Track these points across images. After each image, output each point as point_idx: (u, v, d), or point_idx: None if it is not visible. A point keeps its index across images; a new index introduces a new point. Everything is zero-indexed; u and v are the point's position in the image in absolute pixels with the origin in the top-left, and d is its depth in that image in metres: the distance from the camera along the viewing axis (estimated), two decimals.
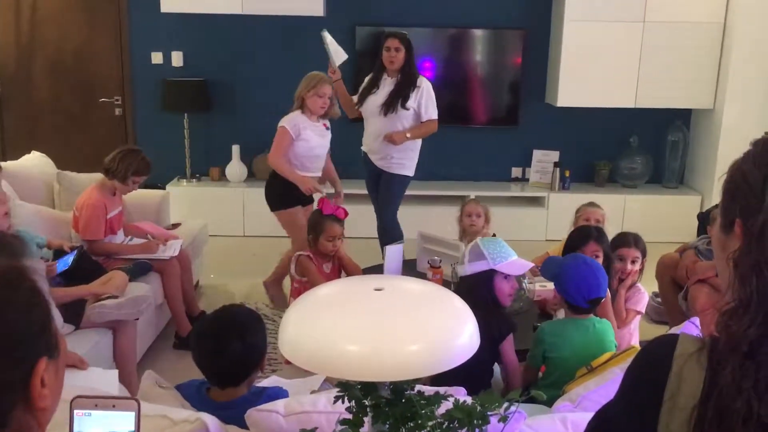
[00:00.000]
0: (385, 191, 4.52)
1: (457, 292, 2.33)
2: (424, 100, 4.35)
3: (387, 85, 4.38)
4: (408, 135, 4.34)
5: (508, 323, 2.64)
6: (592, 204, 3.91)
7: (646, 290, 3.22)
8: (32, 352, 0.80)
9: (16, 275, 0.81)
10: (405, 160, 4.45)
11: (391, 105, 4.32)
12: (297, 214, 4.15)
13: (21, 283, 0.81)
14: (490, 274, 2.61)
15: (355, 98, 4.54)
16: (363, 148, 4.59)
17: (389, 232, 4.45)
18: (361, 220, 4.86)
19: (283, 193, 4.13)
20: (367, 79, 4.52)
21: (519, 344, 2.71)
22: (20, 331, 0.79)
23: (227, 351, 2.00)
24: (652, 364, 0.91)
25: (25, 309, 0.80)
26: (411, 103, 4.32)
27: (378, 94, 4.37)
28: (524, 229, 5.73)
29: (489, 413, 1.31)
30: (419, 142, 4.50)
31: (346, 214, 3.62)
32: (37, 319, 0.81)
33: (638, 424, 0.89)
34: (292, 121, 4.06)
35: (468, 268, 2.64)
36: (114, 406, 1.12)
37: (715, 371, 0.84)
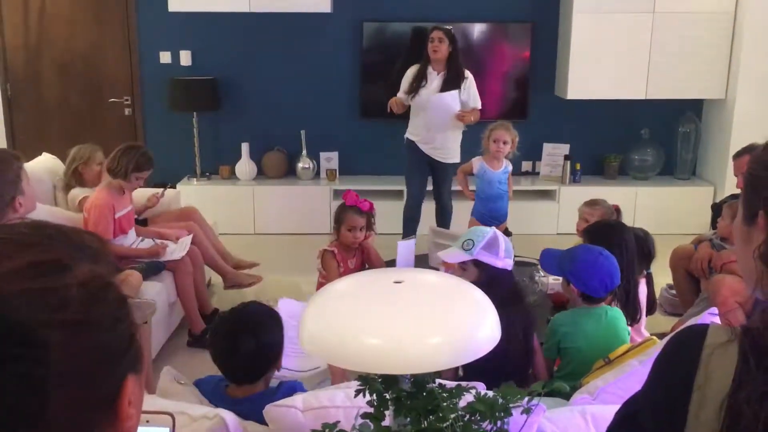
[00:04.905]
0: (444, 179, 4.92)
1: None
2: (472, 91, 4.72)
3: (435, 78, 4.66)
4: (472, 117, 4.65)
5: (531, 315, 2.62)
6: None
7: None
8: (118, 372, 0.70)
9: (102, 286, 0.70)
10: (456, 149, 4.81)
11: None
12: None
13: (107, 296, 0.70)
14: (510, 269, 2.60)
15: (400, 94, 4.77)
16: (411, 137, 4.82)
17: (449, 212, 5.01)
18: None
19: None
20: (411, 72, 4.75)
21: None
22: (106, 351, 0.68)
23: (240, 349, 2.01)
24: (681, 354, 0.90)
25: (110, 325, 0.69)
26: (463, 94, 4.65)
27: (429, 87, 4.65)
28: (535, 222, 5.71)
29: (511, 405, 1.30)
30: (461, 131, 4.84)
31: (371, 206, 3.62)
32: (124, 333, 0.71)
33: (667, 415, 0.88)
34: None
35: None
36: (147, 421, 1.07)
37: (747, 361, 0.83)
